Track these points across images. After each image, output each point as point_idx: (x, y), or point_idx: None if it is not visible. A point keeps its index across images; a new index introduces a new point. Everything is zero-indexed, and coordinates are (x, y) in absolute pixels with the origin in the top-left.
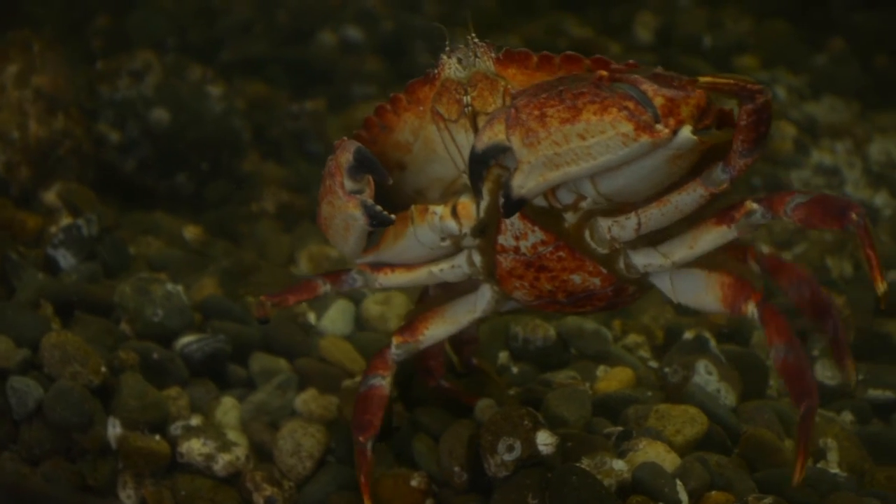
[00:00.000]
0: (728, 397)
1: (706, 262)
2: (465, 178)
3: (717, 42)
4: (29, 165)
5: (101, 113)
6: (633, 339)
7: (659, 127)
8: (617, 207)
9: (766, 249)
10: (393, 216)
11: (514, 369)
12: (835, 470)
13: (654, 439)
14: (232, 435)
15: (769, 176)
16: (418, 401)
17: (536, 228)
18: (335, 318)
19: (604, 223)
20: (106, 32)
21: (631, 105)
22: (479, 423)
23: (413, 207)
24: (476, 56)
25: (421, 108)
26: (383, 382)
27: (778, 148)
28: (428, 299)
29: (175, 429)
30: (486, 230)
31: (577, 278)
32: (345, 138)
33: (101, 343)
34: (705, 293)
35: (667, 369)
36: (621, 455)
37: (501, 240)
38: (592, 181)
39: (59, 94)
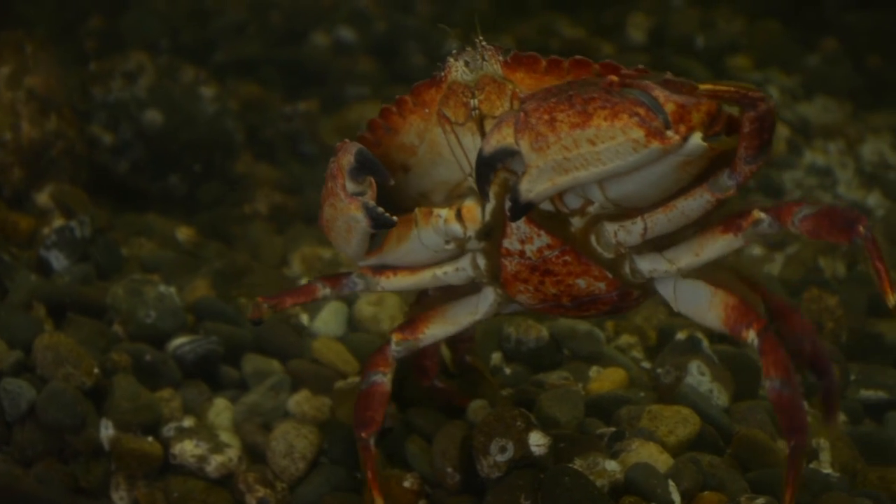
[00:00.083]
0: (720, 398)
1: (715, 278)
2: (471, 182)
3: (709, 42)
4: (21, 166)
5: (94, 114)
6: (625, 339)
7: (670, 133)
8: (624, 212)
9: (758, 249)
10: (395, 218)
11: (507, 370)
12: (827, 470)
13: (646, 440)
14: (224, 436)
15: (762, 176)
16: (411, 402)
17: (542, 232)
18: (328, 320)
19: (610, 228)
20: (99, 33)
21: (642, 111)
22: (471, 424)
23: (417, 210)
24: (484, 59)
25: (427, 111)
26: (384, 379)
27: None
28: (427, 299)
29: (168, 430)
30: (491, 233)
31: (582, 282)
32: (346, 140)
33: (94, 345)
34: (708, 309)
35: (659, 370)
36: (614, 456)
37: (507, 243)
38: (601, 186)
39: (52, 96)
